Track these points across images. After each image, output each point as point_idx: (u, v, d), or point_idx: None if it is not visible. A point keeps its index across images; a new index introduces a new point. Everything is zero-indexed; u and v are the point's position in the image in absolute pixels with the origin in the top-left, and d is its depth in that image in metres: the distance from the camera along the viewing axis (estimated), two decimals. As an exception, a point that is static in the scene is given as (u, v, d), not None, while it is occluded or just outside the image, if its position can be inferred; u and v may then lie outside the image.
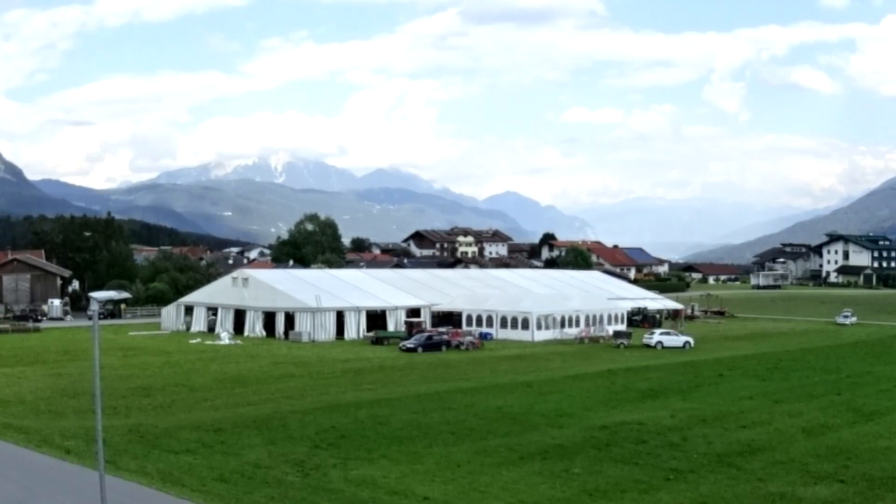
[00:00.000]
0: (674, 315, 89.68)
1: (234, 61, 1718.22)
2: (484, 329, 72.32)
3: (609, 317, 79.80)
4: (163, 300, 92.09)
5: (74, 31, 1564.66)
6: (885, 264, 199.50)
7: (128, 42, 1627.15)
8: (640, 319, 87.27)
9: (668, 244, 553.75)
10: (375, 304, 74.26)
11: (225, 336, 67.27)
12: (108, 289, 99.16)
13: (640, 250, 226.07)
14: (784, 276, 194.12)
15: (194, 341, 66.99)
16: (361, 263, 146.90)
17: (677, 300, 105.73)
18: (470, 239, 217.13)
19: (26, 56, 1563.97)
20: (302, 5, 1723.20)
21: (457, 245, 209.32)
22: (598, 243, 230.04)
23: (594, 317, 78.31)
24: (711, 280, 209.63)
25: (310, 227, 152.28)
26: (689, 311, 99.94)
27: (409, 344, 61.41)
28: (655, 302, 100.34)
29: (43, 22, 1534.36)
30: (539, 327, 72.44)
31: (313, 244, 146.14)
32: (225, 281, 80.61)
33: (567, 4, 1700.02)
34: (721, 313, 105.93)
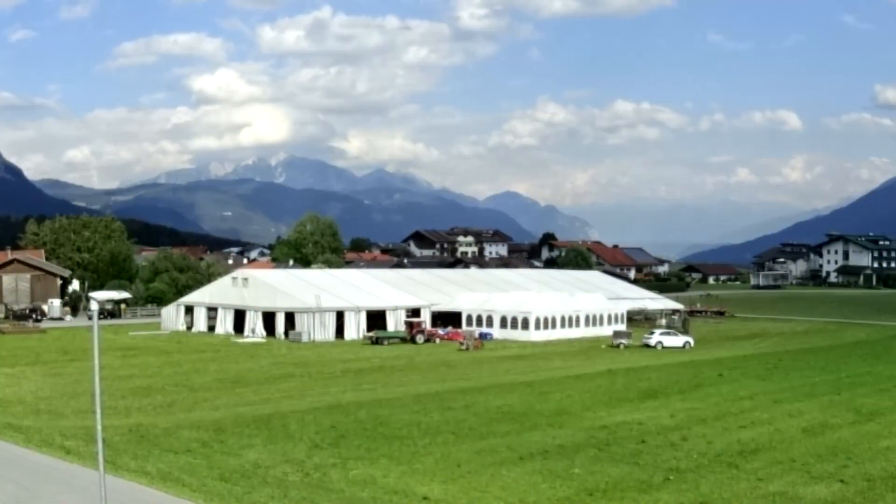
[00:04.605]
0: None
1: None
2: (484, 329, 72.33)
3: (609, 317, 79.86)
4: (163, 300, 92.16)
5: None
6: (885, 264, 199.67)
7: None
8: (642, 319, 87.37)
9: (668, 244, 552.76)
10: (375, 304, 74.27)
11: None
12: (108, 289, 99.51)
13: (640, 250, 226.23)
14: (784, 276, 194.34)
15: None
16: (361, 263, 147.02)
17: (677, 300, 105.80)
18: (470, 239, 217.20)
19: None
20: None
21: (457, 245, 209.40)
22: (598, 243, 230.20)
23: (594, 317, 78.38)
24: (711, 280, 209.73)
25: (310, 227, 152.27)
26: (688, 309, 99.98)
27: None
28: (655, 302, 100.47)
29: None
30: (539, 327, 72.47)
31: (313, 244, 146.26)
32: (225, 281, 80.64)
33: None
34: (721, 313, 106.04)
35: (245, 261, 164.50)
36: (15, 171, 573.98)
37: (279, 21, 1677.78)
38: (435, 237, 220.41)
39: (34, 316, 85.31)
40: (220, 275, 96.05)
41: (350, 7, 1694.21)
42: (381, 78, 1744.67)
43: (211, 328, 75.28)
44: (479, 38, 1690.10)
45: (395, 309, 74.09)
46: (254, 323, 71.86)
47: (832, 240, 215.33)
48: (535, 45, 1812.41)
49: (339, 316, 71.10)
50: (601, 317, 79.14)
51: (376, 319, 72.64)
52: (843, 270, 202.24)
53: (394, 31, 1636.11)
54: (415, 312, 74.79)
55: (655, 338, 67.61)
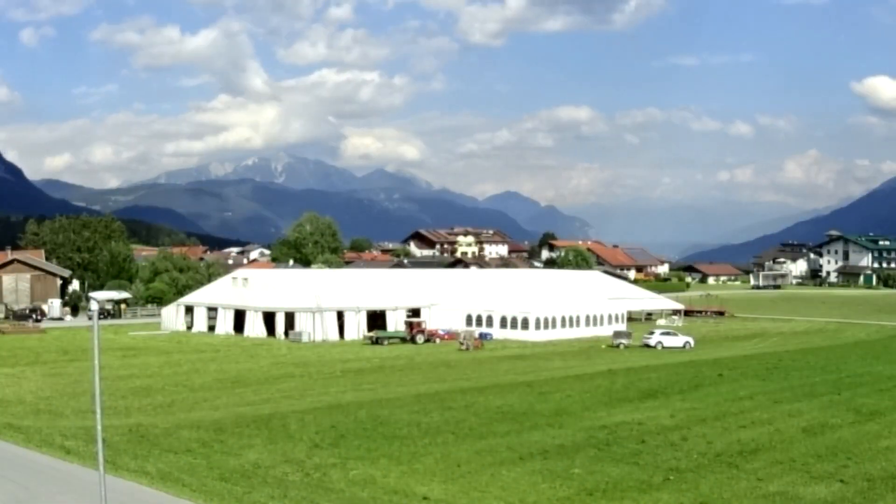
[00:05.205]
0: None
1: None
2: (484, 329, 72.31)
3: (609, 317, 79.84)
4: (163, 300, 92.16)
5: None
6: (885, 264, 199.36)
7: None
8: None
9: (668, 244, 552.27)
10: (375, 304, 74.27)
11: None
12: (108, 289, 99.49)
13: (641, 250, 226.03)
14: (784, 276, 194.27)
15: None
16: (361, 263, 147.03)
17: (677, 300, 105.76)
18: (470, 239, 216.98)
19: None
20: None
21: (457, 245, 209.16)
22: (598, 243, 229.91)
23: (594, 317, 78.37)
24: (711, 280, 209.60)
25: (309, 227, 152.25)
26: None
27: None
28: (655, 302, 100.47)
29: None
30: (539, 327, 72.46)
31: (313, 244, 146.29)
32: (225, 281, 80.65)
33: None
34: (721, 313, 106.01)
35: (245, 261, 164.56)
36: (15, 171, 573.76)
37: (286, 26, 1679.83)
38: (435, 237, 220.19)
39: (34, 316, 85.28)
40: (220, 275, 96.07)
41: (358, 20, 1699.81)
42: (382, 83, 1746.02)
43: (211, 328, 75.27)
44: (482, 50, 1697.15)
45: (395, 309, 74.10)
46: (254, 323, 71.90)
47: (832, 240, 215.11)
48: (537, 53, 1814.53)
49: (339, 316, 71.10)
50: (601, 317, 79.12)
51: (376, 319, 72.66)
52: (843, 270, 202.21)
53: (400, 43, 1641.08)
54: (415, 312, 74.80)
55: (655, 338, 67.60)
